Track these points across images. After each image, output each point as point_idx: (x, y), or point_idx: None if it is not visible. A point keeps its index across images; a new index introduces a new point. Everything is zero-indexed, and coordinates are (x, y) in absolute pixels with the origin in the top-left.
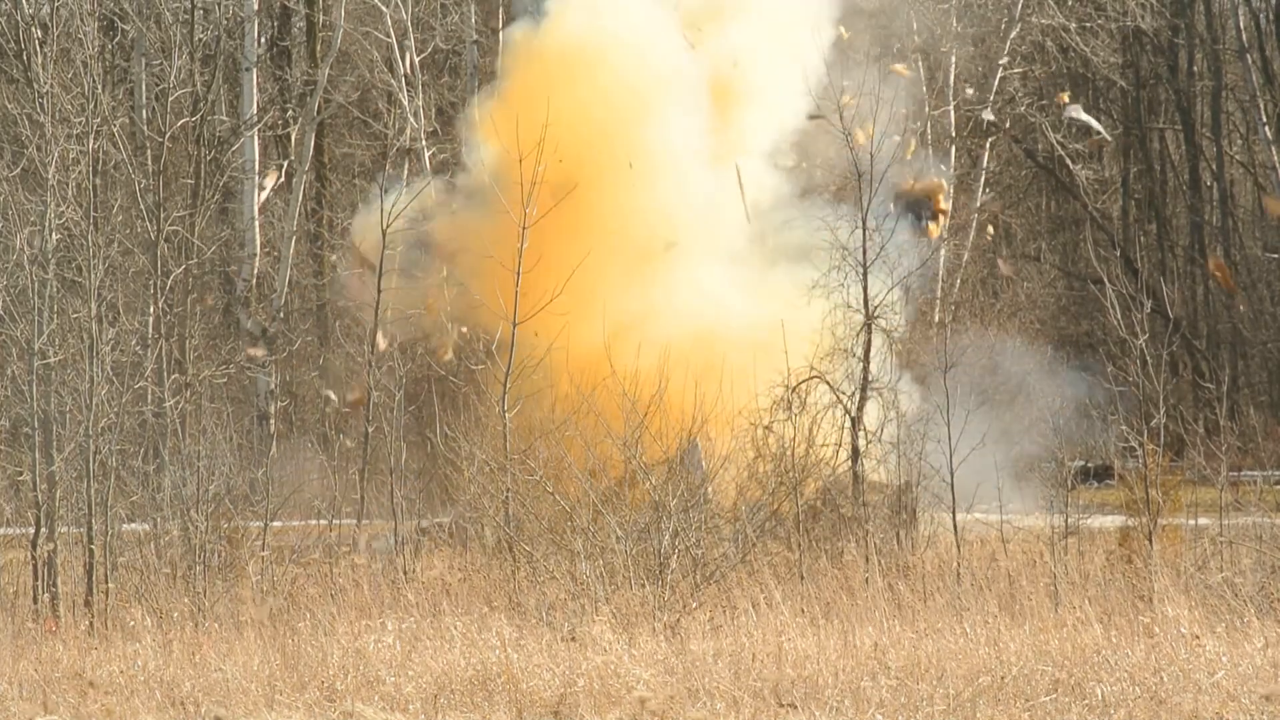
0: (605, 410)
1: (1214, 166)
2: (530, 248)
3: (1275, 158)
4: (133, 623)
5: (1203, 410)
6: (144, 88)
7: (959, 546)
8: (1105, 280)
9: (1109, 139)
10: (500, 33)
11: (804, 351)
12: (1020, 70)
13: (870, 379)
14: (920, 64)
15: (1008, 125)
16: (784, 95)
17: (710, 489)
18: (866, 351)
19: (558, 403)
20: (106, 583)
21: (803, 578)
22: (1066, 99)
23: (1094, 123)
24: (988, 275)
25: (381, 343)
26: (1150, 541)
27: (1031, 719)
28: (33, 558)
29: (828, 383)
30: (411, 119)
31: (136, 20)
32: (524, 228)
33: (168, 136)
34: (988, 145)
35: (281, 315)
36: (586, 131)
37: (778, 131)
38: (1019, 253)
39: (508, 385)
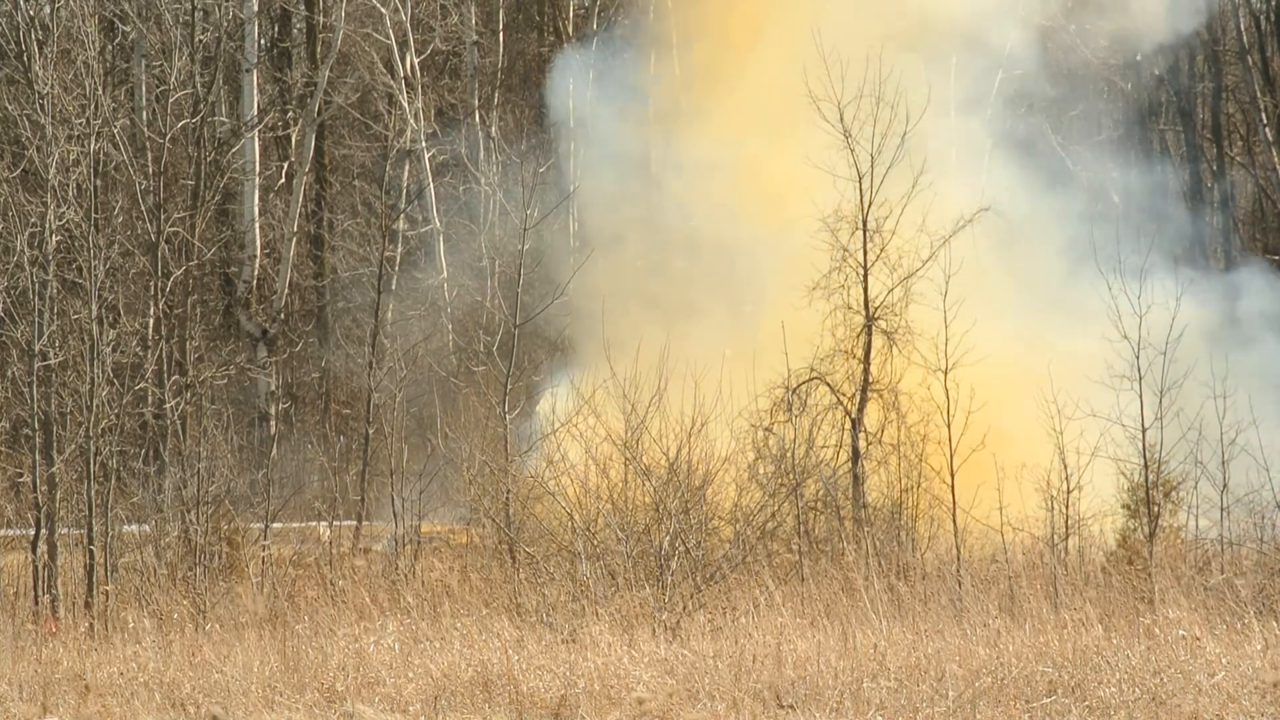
0: None
1: (1214, 168)
2: None
3: (1276, 159)
4: (133, 624)
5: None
6: (144, 89)
7: (959, 548)
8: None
9: None
10: None
11: None
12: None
13: (870, 381)
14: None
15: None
16: None
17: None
18: (867, 353)
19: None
20: (107, 584)
21: (803, 579)
22: None
23: None
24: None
25: None
26: (1151, 543)
27: None
28: (33, 559)
29: (828, 384)
30: (411, 120)
31: (137, 22)
32: (524, 229)
33: (168, 138)
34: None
35: (282, 316)
36: None
37: None
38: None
39: (509, 386)
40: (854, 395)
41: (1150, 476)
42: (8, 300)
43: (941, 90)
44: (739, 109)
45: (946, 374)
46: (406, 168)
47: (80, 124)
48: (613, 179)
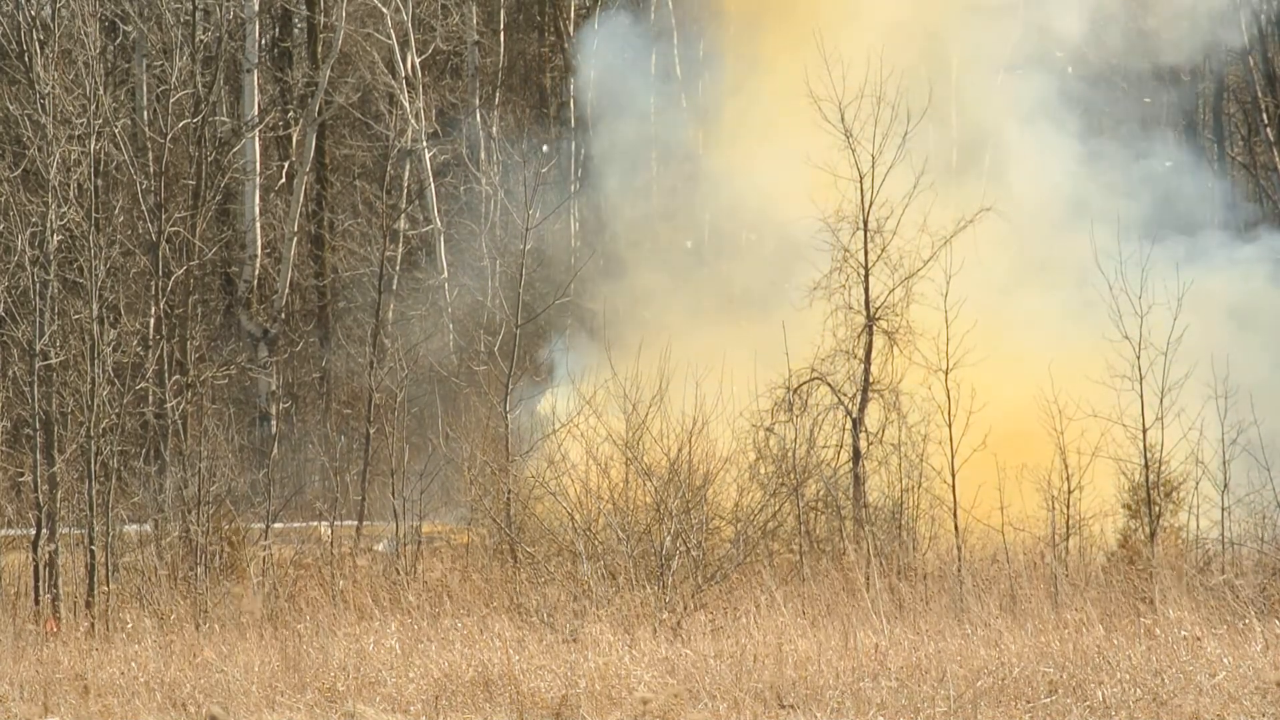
0: None
1: (1215, 168)
2: None
3: (1277, 159)
4: (133, 624)
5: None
6: (145, 89)
7: (960, 548)
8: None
9: None
10: None
11: None
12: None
13: (871, 381)
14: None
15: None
16: None
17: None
18: (868, 353)
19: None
20: (108, 584)
21: (804, 579)
22: None
23: None
24: None
25: None
26: (1152, 543)
27: None
28: (34, 559)
29: (829, 384)
30: (413, 120)
31: (138, 21)
32: (526, 229)
33: (169, 138)
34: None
35: (283, 316)
36: None
37: None
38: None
39: (510, 386)
40: (855, 395)
41: (1151, 476)
42: (9, 300)
43: (993, 55)
44: (748, 107)
45: (948, 374)
46: (407, 167)
47: (81, 124)
48: (625, 171)
